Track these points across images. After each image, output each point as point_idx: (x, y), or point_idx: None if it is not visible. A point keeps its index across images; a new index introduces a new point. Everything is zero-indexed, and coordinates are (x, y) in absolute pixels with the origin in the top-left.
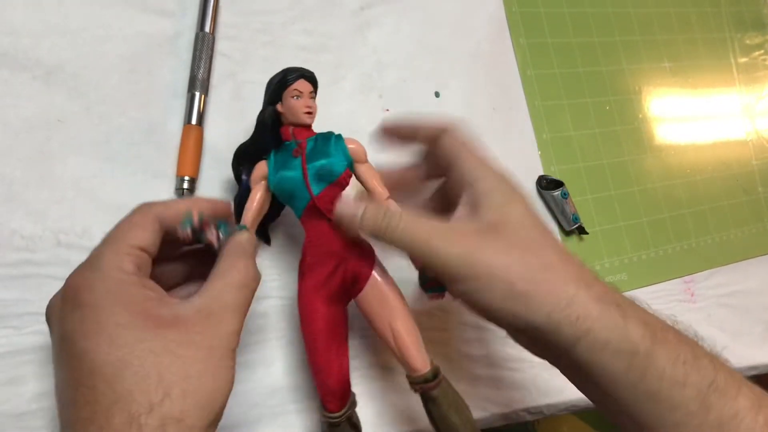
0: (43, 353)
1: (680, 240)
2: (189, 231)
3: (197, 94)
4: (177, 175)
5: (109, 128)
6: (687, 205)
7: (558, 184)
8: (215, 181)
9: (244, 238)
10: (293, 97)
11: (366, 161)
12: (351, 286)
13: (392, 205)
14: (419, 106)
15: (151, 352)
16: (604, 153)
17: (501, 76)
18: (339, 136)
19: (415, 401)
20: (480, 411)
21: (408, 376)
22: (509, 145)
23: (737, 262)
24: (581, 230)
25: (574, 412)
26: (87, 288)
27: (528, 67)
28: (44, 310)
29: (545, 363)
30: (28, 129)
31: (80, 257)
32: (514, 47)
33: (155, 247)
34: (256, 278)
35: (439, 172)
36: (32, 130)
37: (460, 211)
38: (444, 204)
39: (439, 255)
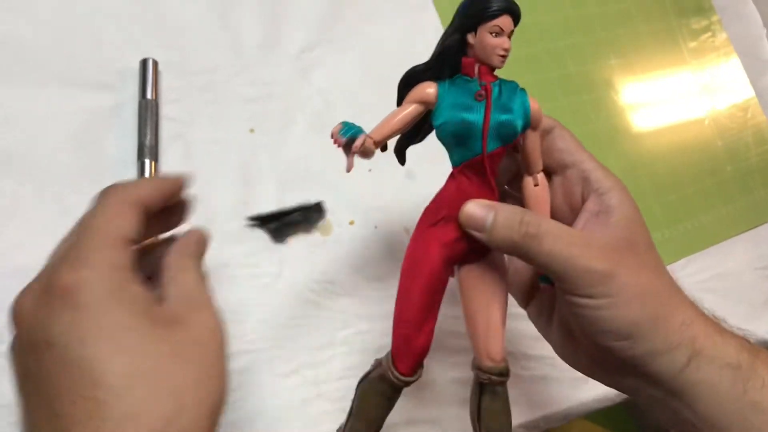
0: None
1: (651, 232)
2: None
3: (147, 161)
4: None
5: (63, 208)
6: (654, 197)
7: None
8: None
9: (190, 237)
10: (492, 33)
11: (539, 126)
12: (469, 255)
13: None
14: None
15: (160, 357)
16: None
17: None
18: (523, 91)
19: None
20: None
21: (479, 364)
22: None
23: (713, 245)
24: None
25: (573, 419)
26: (82, 287)
27: None
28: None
29: (534, 376)
30: None
31: None
32: None
33: (140, 236)
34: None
35: (548, 168)
36: None
37: (591, 221)
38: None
39: (579, 269)
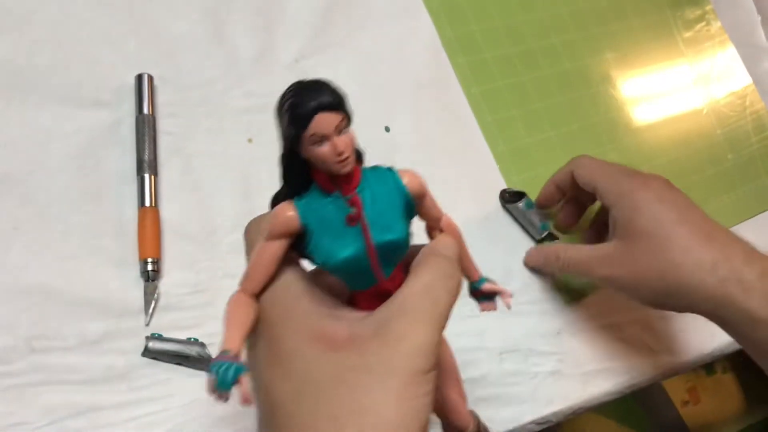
0: None
1: None
2: None
3: (146, 176)
4: (140, 259)
5: (66, 227)
6: None
7: (520, 195)
8: (179, 256)
9: (438, 240)
10: (314, 144)
11: (426, 194)
12: None
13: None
14: (372, 144)
15: (322, 383)
16: (562, 155)
17: (447, 100)
18: (392, 173)
19: None
20: None
21: None
22: (467, 164)
23: None
24: (551, 237)
25: (584, 412)
26: (270, 302)
27: (471, 86)
28: (27, 419)
29: (544, 372)
30: None
31: (56, 360)
32: (454, 69)
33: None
34: (451, 276)
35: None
36: None
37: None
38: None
39: (595, 278)
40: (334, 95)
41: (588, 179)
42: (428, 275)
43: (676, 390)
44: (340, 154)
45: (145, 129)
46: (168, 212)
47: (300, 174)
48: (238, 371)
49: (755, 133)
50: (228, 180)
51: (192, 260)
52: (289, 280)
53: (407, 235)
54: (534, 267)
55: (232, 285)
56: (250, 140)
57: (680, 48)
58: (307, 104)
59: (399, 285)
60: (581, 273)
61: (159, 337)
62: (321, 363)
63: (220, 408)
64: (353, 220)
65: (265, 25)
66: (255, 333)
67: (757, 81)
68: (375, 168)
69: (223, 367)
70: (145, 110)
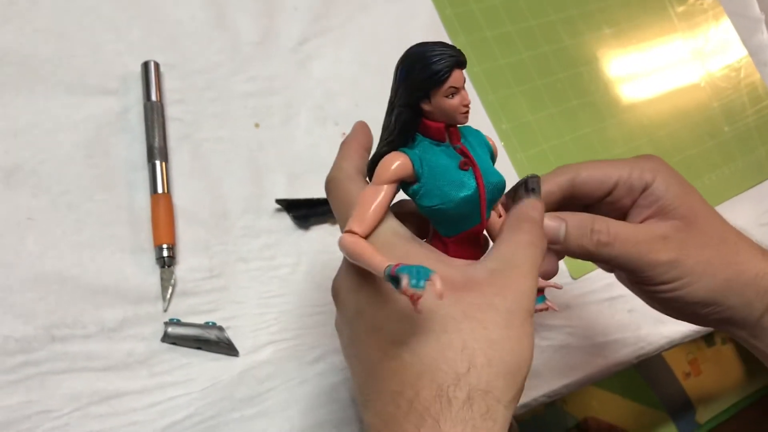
0: None
1: None
2: None
3: (157, 162)
4: (154, 246)
5: (79, 216)
6: None
7: None
8: (192, 242)
9: (529, 204)
10: (448, 96)
11: (495, 160)
12: None
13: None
14: (375, 125)
15: (452, 318)
16: (565, 130)
17: None
18: (480, 133)
19: None
20: None
21: None
22: None
23: (717, 205)
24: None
25: (596, 384)
26: (382, 244)
27: (473, 65)
28: (50, 407)
29: (553, 346)
30: (0, 234)
31: (77, 348)
32: None
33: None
34: (543, 239)
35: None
36: (4, 235)
37: (648, 214)
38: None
39: (647, 264)
40: (461, 55)
41: (601, 175)
42: (529, 235)
43: (677, 362)
44: (466, 105)
45: (154, 116)
46: (179, 198)
47: (410, 127)
48: (428, 272)
49: (751, 105)
50: (237, 164)
51: (205, 245)
52: (395, 225)
53: (503, 182)
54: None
55: (246, 269)
56: (257, 125)
57: (674, 23)
58: (445, 60)
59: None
60: (631, 255)
61: (177, 323)
62: (445, 301)
63: (241, 390)
64: (467, 165)
65: (267, 10)
66: (361, 274)
67: (752, 52)
68: (466, 127)
69: (414, 270)
70: (153, 97)
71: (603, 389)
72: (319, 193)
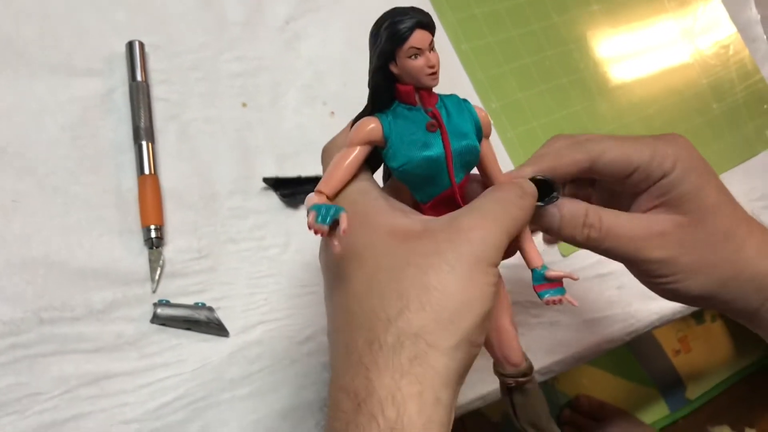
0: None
1: None
2: None
3: (144, 143)
4: (142, 227)
5: (65, 198)
6: None
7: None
8: (180, 223)
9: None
10: (411, 57)
11: (489, 134)
12: None
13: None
14: (365, 103)
15: (394, 267)
16: (555, 108)
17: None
18: (467, 102)
19: None
20: (490, 385)
21: (502, 371)
22: None
23: None
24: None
25: (588, 362)
26: (347, 201)
27: (461, 42)
28: (40, 389)
29: (544, 323)
30: None
31: (66, 330)
32: (443, 26)
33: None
34: (524, 201)
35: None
36: None
37: (656, 202)
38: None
39: (641, 260)
40: (427, 17)
41: (623, 160)
42: (502, 192)
43: (667, 340)
44: (432, 67)
45: (140, 96)
46: (167, 179)
47: (385, 92)
48: (339, 210)
49: (740, 81)
50: (225, 145)
51: (194, 226)
52: (364, 185)
53: (479, 147)
54: (543, 228)
55: (235, 249)
56: (244, 104)
57: (663, 1)
58: (407, 21)
59: (463, 194)
60: (622, 249)
61: (167, 304)
62: (394, 252)
63: (231, 371)
64: (434, 126)
65: None
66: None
67: (741, 29)
68: (451, 95)
69: (324, 207)
70: (138, 77)
71: (594, 367)
72: (308, 172)
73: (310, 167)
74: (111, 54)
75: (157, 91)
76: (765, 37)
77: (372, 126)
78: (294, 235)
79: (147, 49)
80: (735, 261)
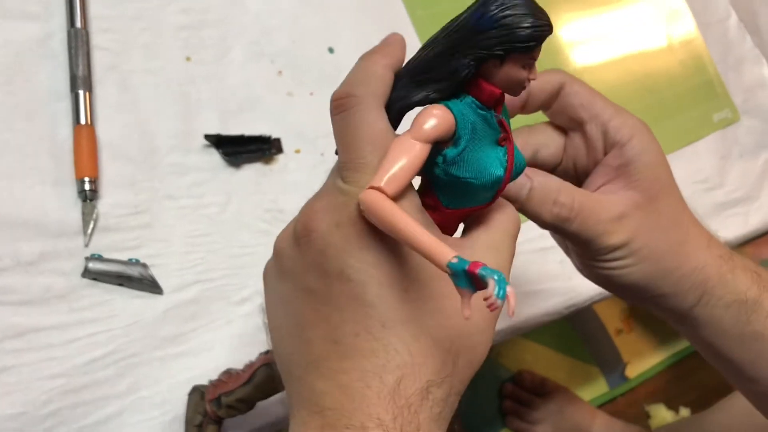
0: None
1: None
2: None
3: (81, 92)
4: (76, 179)
5: None
6: None
7: None
8: (117, 177)
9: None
10: (523, 67)
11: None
12: None
13: None
14: (315, 65)
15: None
16: None
17: (391, 22)
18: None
19: None
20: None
21: None
22: None
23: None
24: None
25: (530, 338)
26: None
27: (417, 8)
28: None
29: None
30: None
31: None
32: None
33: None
34: (518, 223)
35: (566, 126)
36: None
37: (612, 178)
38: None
39: (600, 244)
40: (551, 25)
41: (587, 100)
42: (509, 224)
43: (610, 320)
44: (530, 81)
45: (78, 44)
46: (105, 132)
47: (461, 81)
48: (505, 282)
49: (693, 66)
50: (167, 99)
51: (131, 181)
52: (418, 202)
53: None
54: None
55: (173, 206)
56: (188, 58)
57: None
58: (534, 29)
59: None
60: (589, 232)
61: (99, 258)
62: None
63: (165, 329)
64: (505, 141)
65: None
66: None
67: (696, 15)
68: None
69: (498, 278)
70: (78, 24)
71: (537, 343)
72: (252, 131)
73: (255, 126)
74: None
75: (97, 40)
76: (719, 23)
77: (449, 118)
78: (234, 194)
79: None
80: (678, 252)
